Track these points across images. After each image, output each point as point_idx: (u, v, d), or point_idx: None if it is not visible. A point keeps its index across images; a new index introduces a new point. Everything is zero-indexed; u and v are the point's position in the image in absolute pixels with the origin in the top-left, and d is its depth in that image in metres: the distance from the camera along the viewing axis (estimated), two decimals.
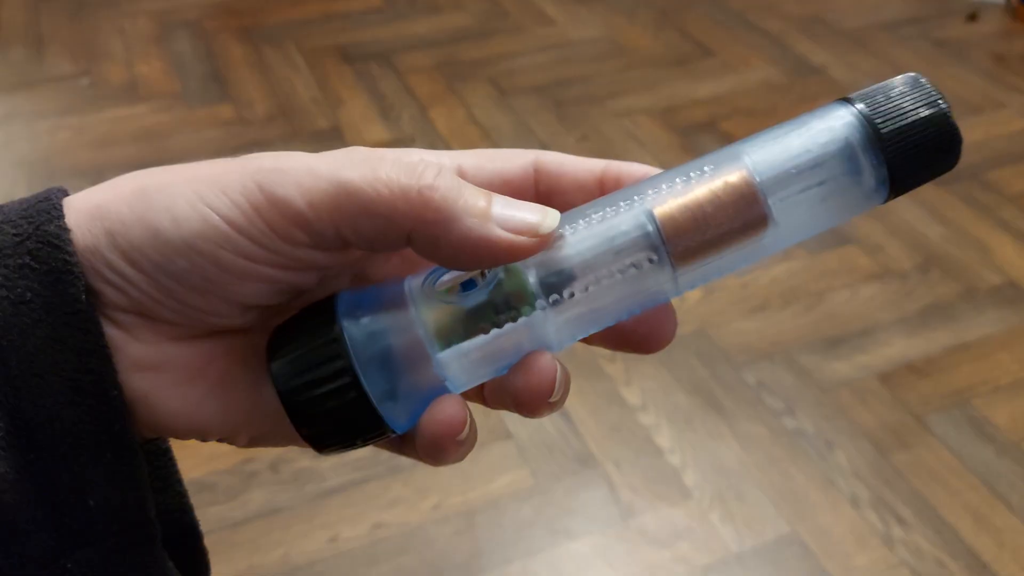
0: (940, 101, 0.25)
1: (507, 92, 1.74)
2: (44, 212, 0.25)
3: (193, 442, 0.29)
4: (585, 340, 0.28)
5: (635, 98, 1.72)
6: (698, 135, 1.61)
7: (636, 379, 1.14)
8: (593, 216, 0.26)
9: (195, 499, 0.31)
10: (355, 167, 0.25)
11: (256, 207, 0.24)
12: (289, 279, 0.26)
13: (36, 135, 1.63)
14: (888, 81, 0.26)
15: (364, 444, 0.26)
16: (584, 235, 0.26)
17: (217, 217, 0.24)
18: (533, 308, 0.25)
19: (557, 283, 0.25)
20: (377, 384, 0.25)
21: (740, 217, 0.25)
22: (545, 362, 0.26)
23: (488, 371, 0.26)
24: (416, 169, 0.25)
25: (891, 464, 1.03)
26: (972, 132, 1.60)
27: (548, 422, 1.08)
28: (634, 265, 0.25)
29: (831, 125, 0.26)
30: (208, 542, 0.31)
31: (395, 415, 0.26)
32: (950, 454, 1.04)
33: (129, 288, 0.25)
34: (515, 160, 0.29)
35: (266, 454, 1.04)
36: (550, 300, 0.25)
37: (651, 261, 0.25)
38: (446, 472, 1.02)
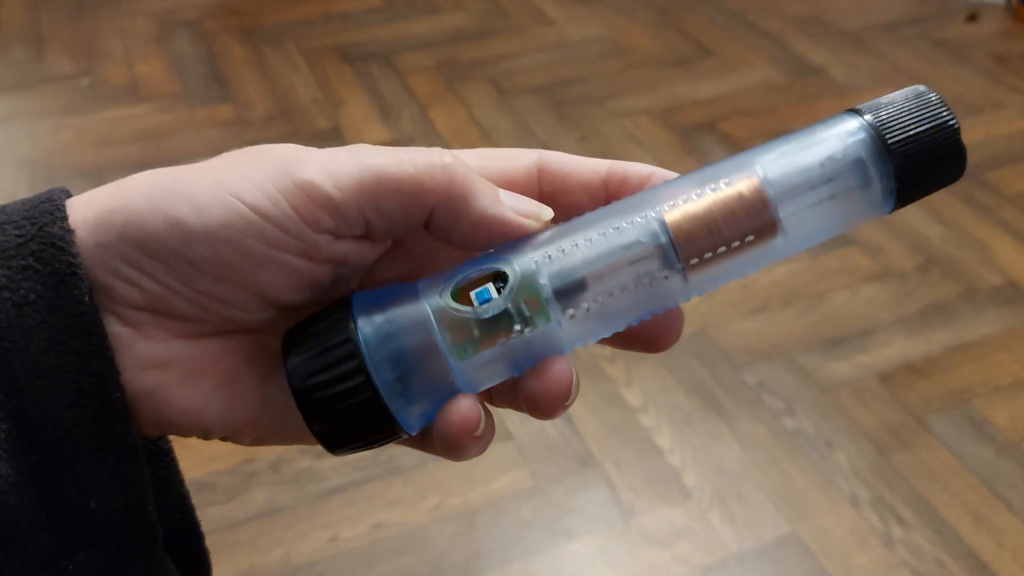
0: (946, 114, 0.26)
1: (507, 92, 1.74)
2: (47, 213, 0.25)
3: (193, 442, 0.29)
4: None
5: (635, 98, 1.72)
6: (698, 135, 1.61)
7: (636, 380, 1.14)
8: (606, 226, 0.26)
9: (195, 499, 0.31)
10: (377, 154, 0.26)
11: (284, 192, 0.25)
12: (308, 271, 0.26)
13: (37, 135, 1.63)
14: (895, 93, 0.27)
15: (377, 445, 0.27)
16: (598, 245, 0.26)
17: (241, 204, 0.25)
18: (549, 319, 0.26)
19: (571, 293, 0.26)
20: (391, 386, 0.25)
21: (751, 227, 0.26)
22: (562, 367, 0.26)
23: (501, 376, 0.27)
24: (433, 151, 0.26)
25: (891, 464, 1.03)
26: (972, 132, 1.60)
27: (549, 423, 1.08)
28: (647, 275, 0.26)
29: (841, 136, 0.26)
30: (208, 542, 0.31)
31: (408, 416, 0.26)
32: (950, 454, 1.04)
33: (143, 279, 0.25)
34: (518, 160, 0.30)
35: (266, 454, 1.04)
36: (565, 311, 0.26)
37: (664, 271, 0.26)
38: (446, 472, 1.02)
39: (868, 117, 0.26)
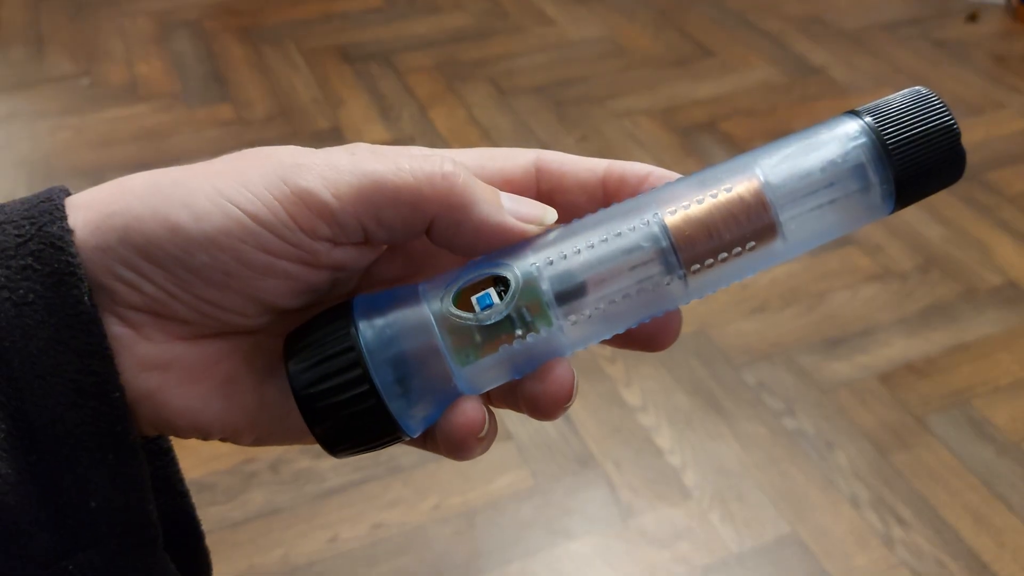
0: (947, 116, 0.26)
1: (507, 92, 1.74)
2: (46, 213, 0.25)
3: (193, 442, 0.29)
4: None
5: (635, 98, 1.72)
6: (698, 135, 1.61)
7: (636, 380, 1.14)
8: (607, 230, 0.26)
9: (195, 499, 0.31)
10: (376, 160, 0.26)
11: (281, 200, 0.25)
12: (306, 277, 0.26)
13: (36, 135, 1.63)
14: (895, 94, 0.26)
15: (378, 448, 0.27)
16: (599, 250, 0.26)
17: (239, 212, 0.24)
18: (550, 324, 0.26)
19: (573, 298, 0.26)
20: (393, 390, 0.25)
21: (751, 230, 0.26)
22: (563, 370, 0.26)
23: (502, 378, 0.27)
24: (434, 158, 0.26)
25: (891, 464, 1.03)
26: (972, 132, 1.60)
27: (549, 423, 1.08)
28: (648, 279, 0.26)
29: (841, 139, 0.26)
30: (208, 542, 0.31)
31: (410, 419, 0.26)
32: (950, 454, 1.04)
33: (144, 284, 0.25)
34: (516, 159, 0.30)
35: (266, 455, 1.04)
36: (566, 316, 0.26)
37: (665, 275, 0.26)
38: (446, 472, 1.02)
39: (868, 119, 0.26)
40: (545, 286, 0.26)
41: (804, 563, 0.94)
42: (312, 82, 1.78)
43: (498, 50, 1.89)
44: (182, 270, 0.25)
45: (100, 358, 0.24)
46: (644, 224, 0.26)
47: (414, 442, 0.29)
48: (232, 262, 0.25)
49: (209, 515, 0.96)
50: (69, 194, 0.26)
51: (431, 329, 0.25)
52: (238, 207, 0.24)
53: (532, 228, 0.27)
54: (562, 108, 1.69)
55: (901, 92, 0.26)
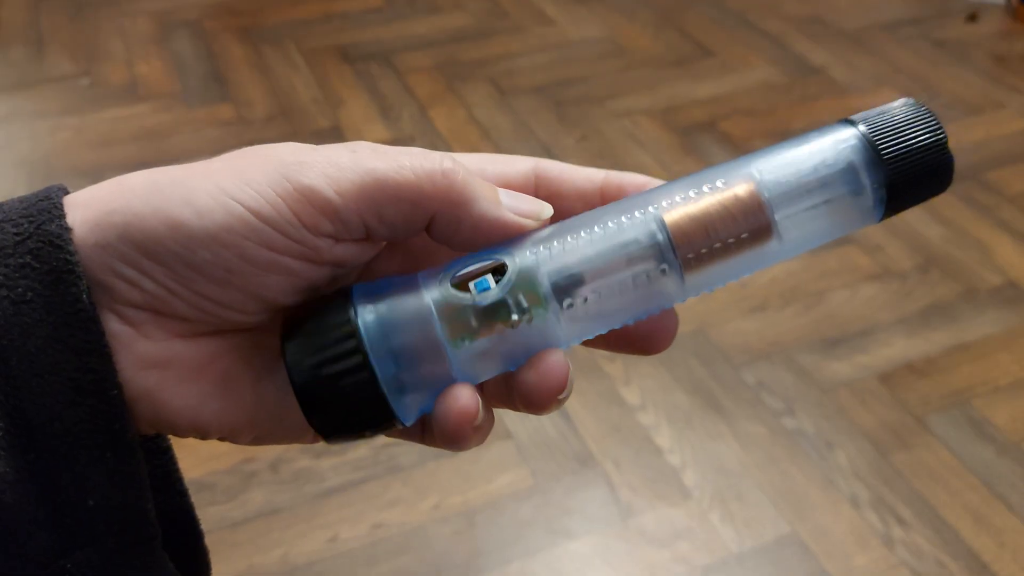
0: (937, 127, 0.27)
1: (507, 92, 1.74)
2: (45, 211, 0.25)
3: (192, 441, 0.29)
4: (587, 343, 0.29)
5: (635, 98, 1.72)
6: (698, 135, 1.61)
7: (635, 379, 1.14)
8: (605, 223, 0.27)
9: (195, 499, 0.31)
10: (378, 157, 0.26)
11: (284, 196, 0.25)
12: (307, 273, 0.26)
13: (36, 135, 1.63)
14: (887, 104, 0.28)
15: (371, 435, 0.27)
16: (597, 242, 0.26)
17: (242, 208, 0.25)
18: (546, 311, 0.26)
19: (569, 287, 0.26)
20: (388, 374, 0.25)
21: (747, 229, 0.26)
22: (556, 359, 0.26)
23: (497, 368, 0.27)
24: (434, 156, 0.26)
25: (891, 464, 1.03)
26: (972, 132, 1.60)
27: (548, 422, 1.08)
28: (644, 272, 0.26)
29: (835, 144, 0.27)
30: (207, 542, 0.31)
31: (404, 407, 0.26)
32: (950, 454, 1.04)
33: (144, 281, 0.25)
34: (515, 165, 0.30)
35: (265, 454, 1.04)
36: (563, 305, 0.26)
37: (661, 269, 0.26)
38: (445, 472, 1.02)
39: (861, 127, 0.27)
40: (542, 275, 0.26)
41: (804, 563, 0.94)
42: (312, 82, 1.78)
43: (498, 50, 1.89)
44: (183, 267, 0.25)
45: (98, 356, 0.24)
46: (642, 217, 0.26)
47: (412, 435, 0.29)
48: (234, 258, 0.25)
49: (209, 515, 0.96)
50: (68, 193, 0.26)
51: (428, 311, 0.26)
52: (241, 204, 0.25)
53: (529, 223, 0.27)
54: (562, 108, 1.69)
55: (893, 102, 0.28)
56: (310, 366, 0.25)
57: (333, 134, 1.62)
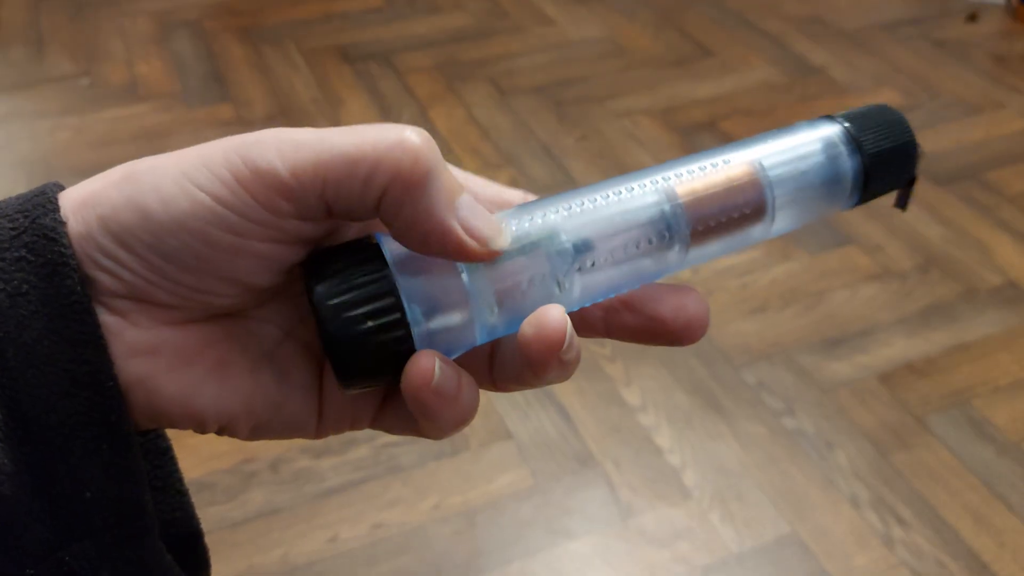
0: (906, 125, 0.31)
1: (507, 92, 1.74)
2: (40, 206, 0.25)
3: (192, 441, 0.29)
4: (618, 337, 0.30)
5: (635, 98, 1.72)
6: (698, 135, 1.61)
7: (636, 379, 1.14)
8: (618, 188, 0.28)
9: (194, 499, 0.31)
10: (341, 132, 0.25)
11: (240, 179, 0.24)
12: (280, 254, 0.26)
13: (36, 135, 1.63)
14: (865, 107, 0.32)
15: (390, 382, 0.26)
16: (608, 207, 0.28)
17: (203, 194, 0.24)
18: (567, 268, 0.27)
19: (581, 247, 0.27)
20: (420, 328, 0.26)
21: (746, 203, 0.29)
22: (555, 311, 0.26)
23: (509, 318, 0.27)
24: (402, 126, 0.25)
25: (891, 464, 1.03)
26: (972, 132, 1.60)
27: (548, 422, 1.08)
28: (654, 237, 0.28)
29: (822, 136, 0.31)
30: (207, 542, 0.31)
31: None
32: (950, 454, 1.04)
33: (123, 272, 0.25)
34: (504, 196, 0.30)
35: (266, 454, 1.04)
36: (573, 265, 0.27)
37: (666, 236, 0.28)
38: (446, 472, 1.02)
39: (843, 122, 0.31)
40: (558, 233, 0.27)
41: (804, 563, 0.94)
42: (312, 82, 1.78)
43: (498, 50, 1.89)
44: (155, 256, 0.25)
45: (93, 347, 0.24)
46: (652, 186, 0.28)
47: (405, 428, 0.29)
48: (201, 245, 0.25)
49: (208, 515, 0.96)
50: (63, 189, 0.26)
51: (454, 265, 0.26)
52: (202, 189, 0.24)
53: (472, 245, 0.25)
54: (562, 108, 1.69)
55: (869, 105, 0.32)
56: (340, 307, 0.25)
57: None
